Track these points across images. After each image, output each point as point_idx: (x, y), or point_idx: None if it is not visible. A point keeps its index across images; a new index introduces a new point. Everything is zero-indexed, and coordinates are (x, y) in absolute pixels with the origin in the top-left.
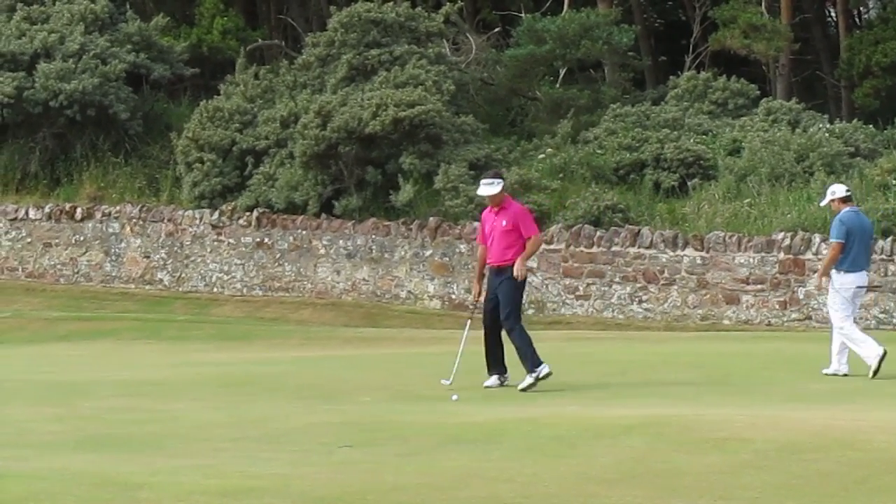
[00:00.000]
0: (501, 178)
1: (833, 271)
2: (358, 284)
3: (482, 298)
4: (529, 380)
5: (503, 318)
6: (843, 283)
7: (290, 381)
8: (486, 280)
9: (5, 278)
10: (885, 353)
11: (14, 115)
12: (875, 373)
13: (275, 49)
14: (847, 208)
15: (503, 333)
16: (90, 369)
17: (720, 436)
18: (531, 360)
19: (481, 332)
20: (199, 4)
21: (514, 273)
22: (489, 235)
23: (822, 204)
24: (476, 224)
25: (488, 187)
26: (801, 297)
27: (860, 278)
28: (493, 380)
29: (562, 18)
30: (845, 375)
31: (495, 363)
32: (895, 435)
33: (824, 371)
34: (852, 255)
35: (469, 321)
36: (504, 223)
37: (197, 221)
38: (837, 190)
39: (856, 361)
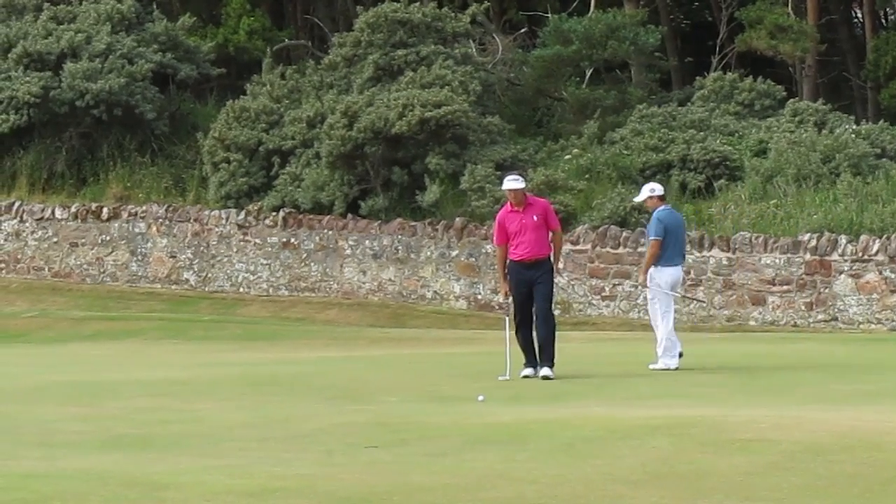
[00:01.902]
0: (524, 177)
1: (651, 267)
2: (384, 285)
3: (510, 298)
4: (551, 373)
5: (549, 307)
6: (662, 276)
7: (315, 382)
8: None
9: (32, 278)
10: (675, 369)
11: (41, 114)
12: (654, 367)
13: (301, 49)
14: (663, 206)
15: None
16: (116, 369)
17: (746, 437)
18: (553, 354)
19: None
20: (226, 4)
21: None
22: (516, 233)
23: (638, 200)
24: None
25: (514, 182)
26: (828, 298)
27: (676, 272)
28: (531, 370)
29: (588, 19)
30: (676, 369)
31: (533, 354)
32: None
33: (651, 366)
34: (669, 250)
35: (507, 318)
36: (535, 218)
37: (223, 221)
38: (657, 188)
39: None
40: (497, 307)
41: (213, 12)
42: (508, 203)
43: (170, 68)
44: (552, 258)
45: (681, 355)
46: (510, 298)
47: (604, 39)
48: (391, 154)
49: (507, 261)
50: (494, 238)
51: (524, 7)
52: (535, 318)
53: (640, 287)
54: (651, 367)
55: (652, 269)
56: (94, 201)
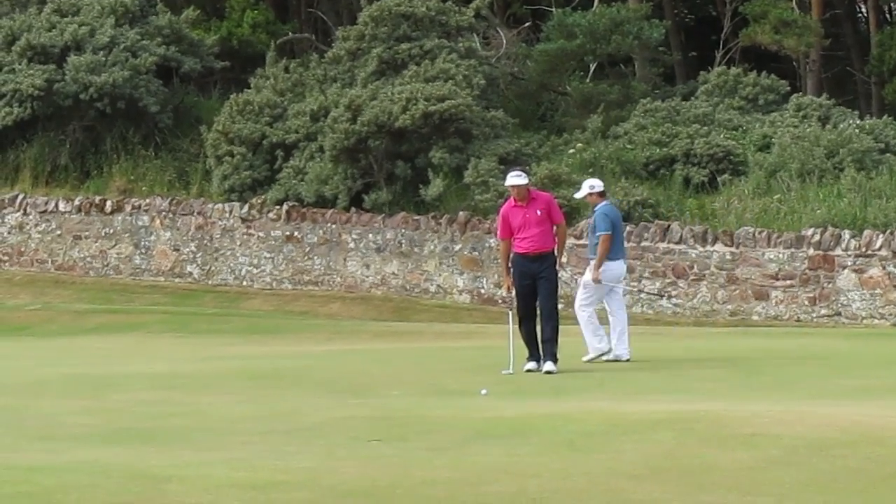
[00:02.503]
0: (527, 172)
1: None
2: (387, 278)
3: (513, 292)
4: (553, 368)
5: (554, 305)
6: (609, 270)
7: (319, 375)
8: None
9: (35, 270)
10: (605, 353)
11: (44, 107)
12: (590, 360)
13: (305, 43)
14: (604, 202)
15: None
16: (119, 362)
17: (748, 432)
18: (556, 350)
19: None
20: None
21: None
22: (519, 228)
23: (578, 196)
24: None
25: (518, 178)
26: (831, 293)
27: (621, 266)
28: (535, 364)
29: (592, 13)
30: (628, 360)
31: (536, 348)
32: None
33: (585, 358)
34: (615, 246)
35: (511, 312)
36: (539, 212)
37: (226, 215)
38: (597, 184)
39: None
40: (501, 301)
41: (217, 5)
42: (512, 198)
43: (173, 61)
44: (556, 251)
45: (605, 354)
46: (513, 293)
47: (608, 34)
48: (395, 148)
49: (511, 254)
50: (498, 232)
51: (528, 1)
52: (538, 313)
53: (595, 283)
54: (585, 359)
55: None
56: (97, 194)
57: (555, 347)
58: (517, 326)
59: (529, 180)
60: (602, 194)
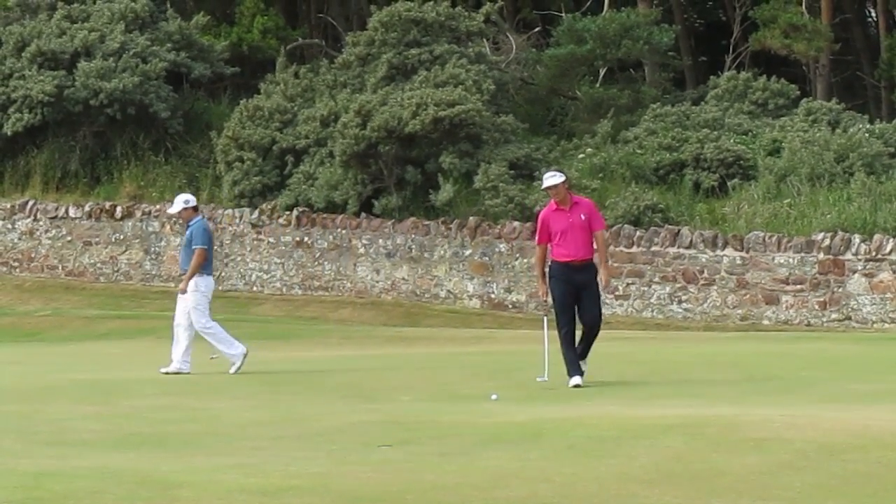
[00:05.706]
0: (562, 172)
1: (196, 276)
2: (397, 284)
3: (549, 298)
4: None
5: (597, 315)
6: (207, 285)
7: (329, 381)
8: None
9: (45, 276)
10: (247, 353)
11: (54, 113)
12: (238, 369)
13: (315, 48)
14: (198, 217)
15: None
16: (130, 368)
17: (759, 436)
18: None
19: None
20: (240, 3)
21: (605, 279)
22: (561, 233)
23: (172, 212)
24: (516, 224)
25: (553, 178)
26: (841, 297)
27: (213, 281)
28: (579, 378)
29: (602, 18)
30: (188, 374)
31: (577, 361)
32: None
33: (163, 370)
34: (210, 259)
35: (546, 317)
36: (583, 217)
37: (237, 220)
38: (191, 199)
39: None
40: (539, 309)
41: (227, 11)
42: (552, 202)
43: (183, 67)
44: (598, 261)
45: (247, 353)
46: (549, 298)
47: (617, 38)
48: (405, 153)
49: (549, 262)
50: (536, 237)
51: (538, 6)
52: (582, 323)
53: (182, 293)
54: (163, 370)
55: (198, 278)
56: (107, 200)
57: (589, 348)
58: (554, 332)
59: (567, 177)
60: (196, 209)
